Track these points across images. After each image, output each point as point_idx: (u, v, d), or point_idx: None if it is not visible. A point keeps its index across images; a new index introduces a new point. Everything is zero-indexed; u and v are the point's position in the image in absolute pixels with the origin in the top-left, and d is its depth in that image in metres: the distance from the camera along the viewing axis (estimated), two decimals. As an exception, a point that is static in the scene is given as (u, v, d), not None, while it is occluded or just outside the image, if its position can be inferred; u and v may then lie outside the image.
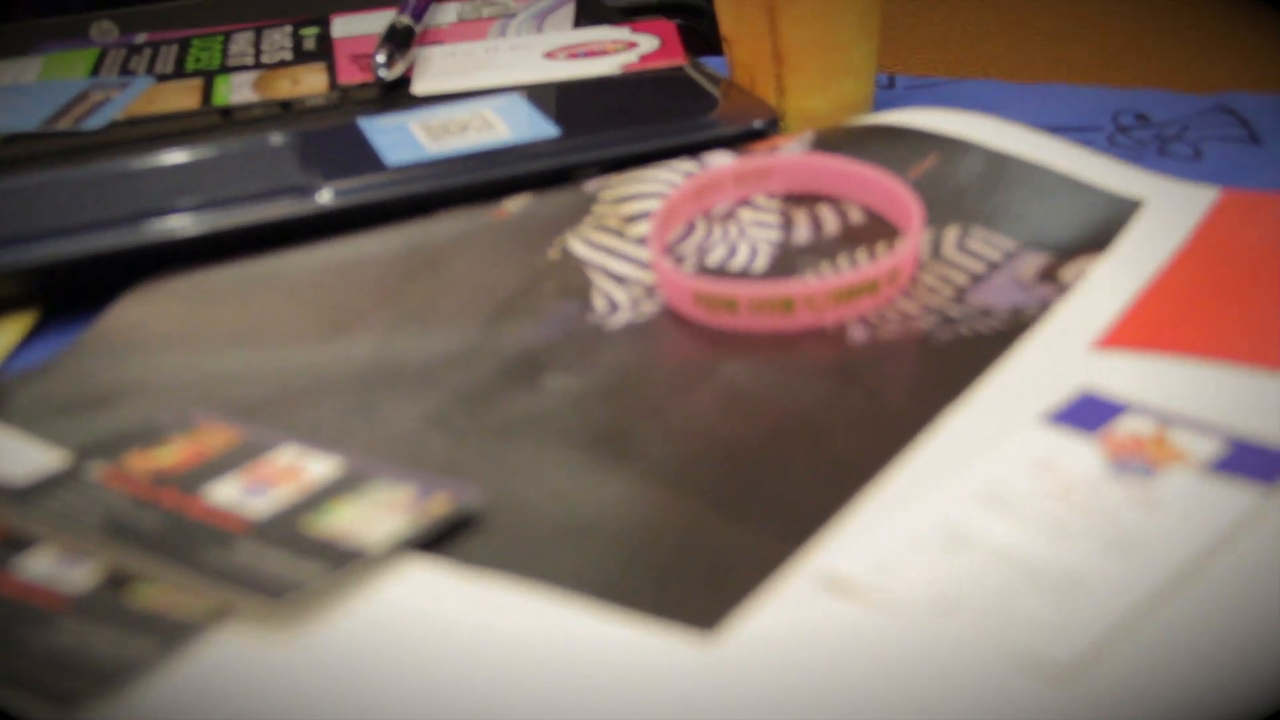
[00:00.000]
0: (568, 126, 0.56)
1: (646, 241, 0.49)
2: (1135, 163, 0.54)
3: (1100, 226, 0.48)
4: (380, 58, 0.62)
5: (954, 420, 0.39)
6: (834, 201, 0.51)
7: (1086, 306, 0.44)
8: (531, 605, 0.33)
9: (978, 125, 0.53)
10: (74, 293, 0.50)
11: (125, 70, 0.66)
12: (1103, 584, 0.32)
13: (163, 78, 0.65)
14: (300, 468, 0.39)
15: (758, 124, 0.55)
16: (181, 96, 0.63)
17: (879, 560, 0.33)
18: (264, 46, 0.69)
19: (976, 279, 0.46)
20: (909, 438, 0.38)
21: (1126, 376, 0.39)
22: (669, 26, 0.67)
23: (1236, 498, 0.34)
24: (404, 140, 0.56)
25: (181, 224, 0.50)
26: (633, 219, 0.50)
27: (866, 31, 0.60)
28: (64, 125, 0.60)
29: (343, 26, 0.71)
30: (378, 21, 0.71)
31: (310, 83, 0.64)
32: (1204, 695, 0.28)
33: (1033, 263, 0.47)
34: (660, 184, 0.51)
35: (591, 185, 0.52)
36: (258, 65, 0.66)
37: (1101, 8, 0.78)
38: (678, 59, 0.63)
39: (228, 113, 0.61)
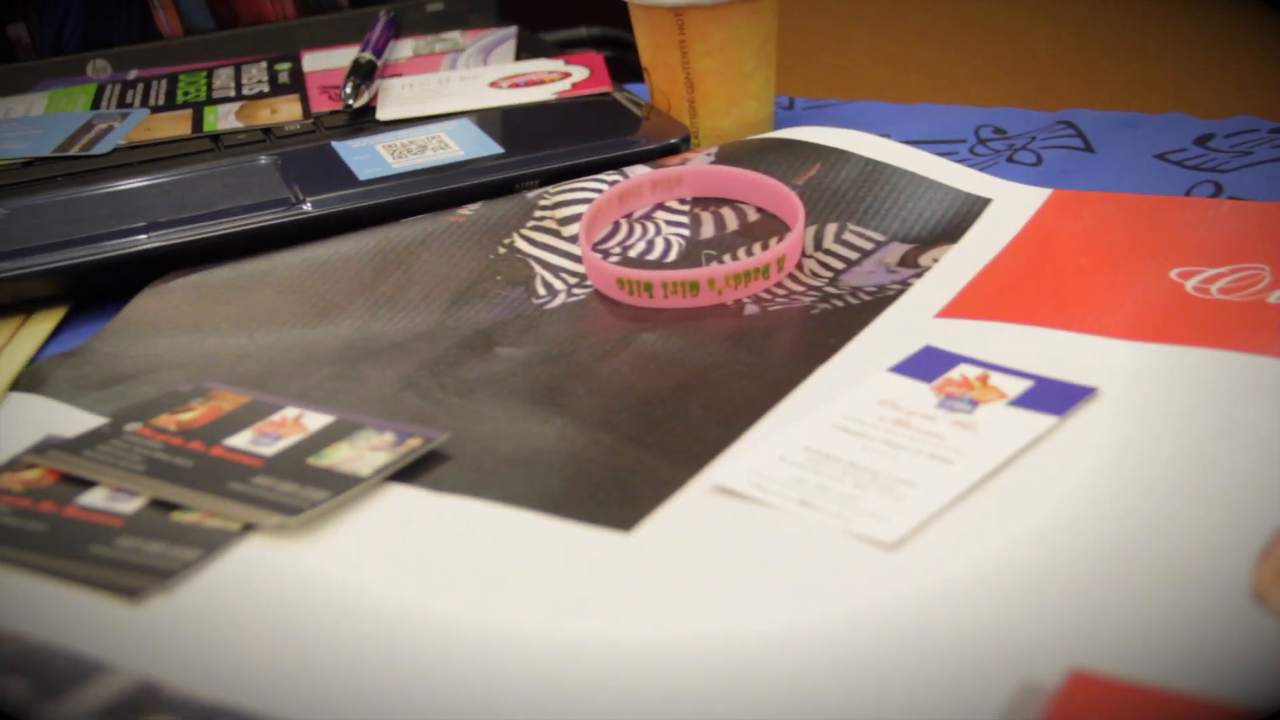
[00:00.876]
0: (510, 145, 0.65)
1: (577, 239, 0.58)
2: (987, 169, 0.64)
3: (954, 221, 0.58)
4: (348, 89, 0.72)
5: (823, 373, 0.49)
6: (734, 204, 0.61)
7: (936, 285, 0.54)
8: (489, 514, 0.43)
9: (855, 139, 0.64)
10: (97, 291, 0.59)
11: (123, 103, 0.75)
12: (923, 484, 0.41)
13: (156, 109, 0.74)
14: (300, 422, 0.48)
15: (673, 140, 0.65)
16: (175, 125, 0.72)
17: (755, 473, 0.43)
18: (244, 80, 0.78)
19: (850, 264, 0.56)
20: (787, 388, 0.48)
21: (961, 337, 0.50)
22: (597, 59, 0.76)
23: (1036, 422, 0.44)
24: (372, 159, 0.65)
25: (186, 232, 0.59)
26: (566, 220, 0.60)
27: (764, 61, 0.70)
28: (75, 150, 0.69)
29: (312, 62, 0.80)
30: (343, 57, 0.80)
31: (287, 111, 0.73)
32: (995, 560, 0.38)
33: (897, 251, 0.57)
34: (589, 192, 0.61)
35: (532, 194, 0.62)
36: (239, 97, 0.75)
37: (975, 36, 0.89)
38: (605, 86, 0.73)
39: (216, 138, 0.70)
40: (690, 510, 0.42)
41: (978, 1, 0.93)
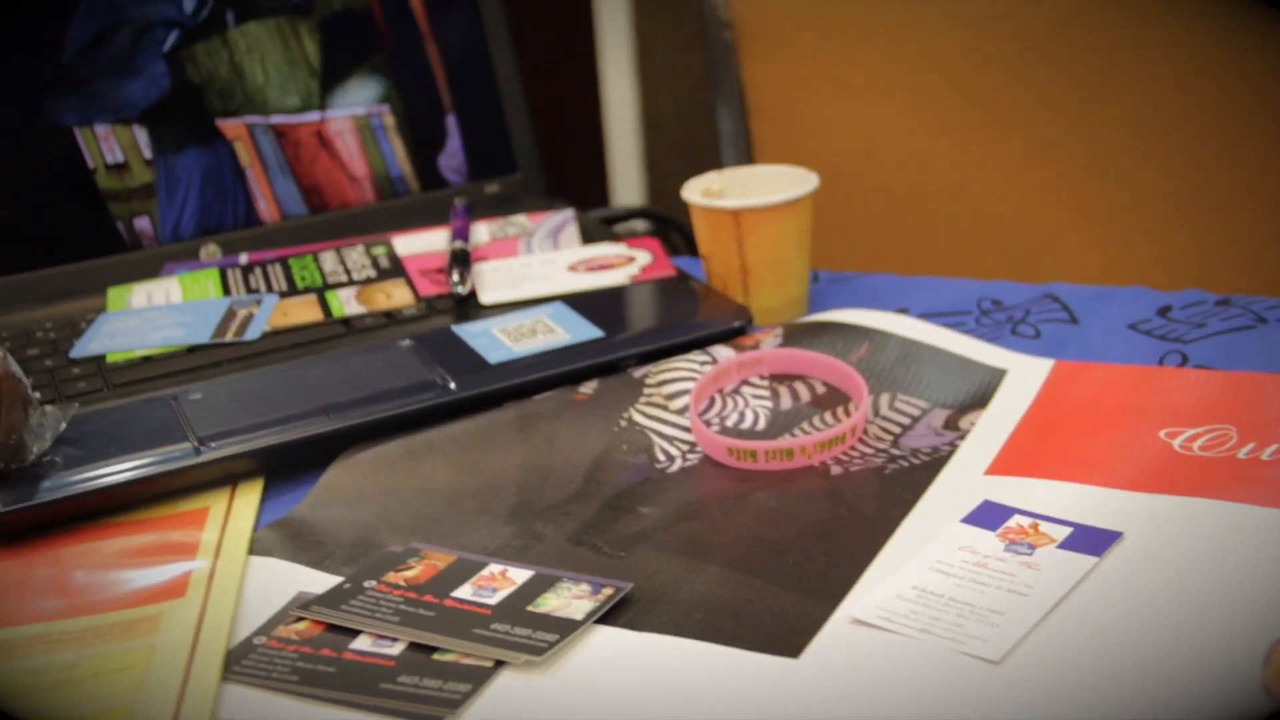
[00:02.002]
0: (607, 328, 0.79)
1: (686, 413, 0.72)
2: (996, 341, 0.79)
3: (980, 389, 0.73)
4: (455, 277, 0.85)
5: (908, 524, 0.63)
6: (804, 379, 0.75)
7: (978, 445, 0.69)
8: (674, 646, 0.56)
9: (891, 320, 0.78)
10: (287, 464, 0.72)
11: (249, 288, 0.88)
12: (1011, 613, 0.55)
13: (284, 294, 0.87)
14: (507, 575, 0.61)
15: (739, 324, 0.80)
16: (306, 310, 0.85)
17: (882, 608, 0.57)
18: (350, 265, 0.91)
19: (905, 429, 0.71)
20: (883, 537, 0.62)
21: (1009, 491, 0.64)
22: (654, 243, 0.91)
23: (1082, 561, 0.58)
24: (494, 343, 0.79)
25: (361, 415, 0.72)
26: (671, 396, 0.74)
27: (803, 249, 0.85)
28: (230, 337, 0.82)
29: (404, 246, 0.94)
30: (429, 240, 0.94)
31: (399, 296, 0.86)
32: (1072, 671, 0.52)
33: (940, 416, 0.72)
34: (683, 370, 0.75)
35: (638, 373, 0.76)
36: (351, 281, 0.88)
37: (960, 208, 1.05)
38: (669, 271, 0.87)
39: (347, 323, 0.83)
40: (838, 637, 0.56)
41: (959, 177, 1.10)
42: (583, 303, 0.84)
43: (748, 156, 1.12)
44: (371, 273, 0.90)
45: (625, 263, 0.88)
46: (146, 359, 0.80)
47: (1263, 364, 0.74)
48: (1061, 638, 0.54)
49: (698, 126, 2.26)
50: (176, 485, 0.69)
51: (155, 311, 0.86)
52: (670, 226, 0.99)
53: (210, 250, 0.95)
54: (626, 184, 2.27)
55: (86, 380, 0.78)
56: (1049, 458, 0.67)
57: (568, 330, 0.80)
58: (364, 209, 0.99)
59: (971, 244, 1.06)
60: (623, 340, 0.78)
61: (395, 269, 0.90)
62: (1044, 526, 0.61)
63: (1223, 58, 0.99)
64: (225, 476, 0.71)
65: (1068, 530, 0.61)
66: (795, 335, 0.78)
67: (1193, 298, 0.82)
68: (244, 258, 0.94)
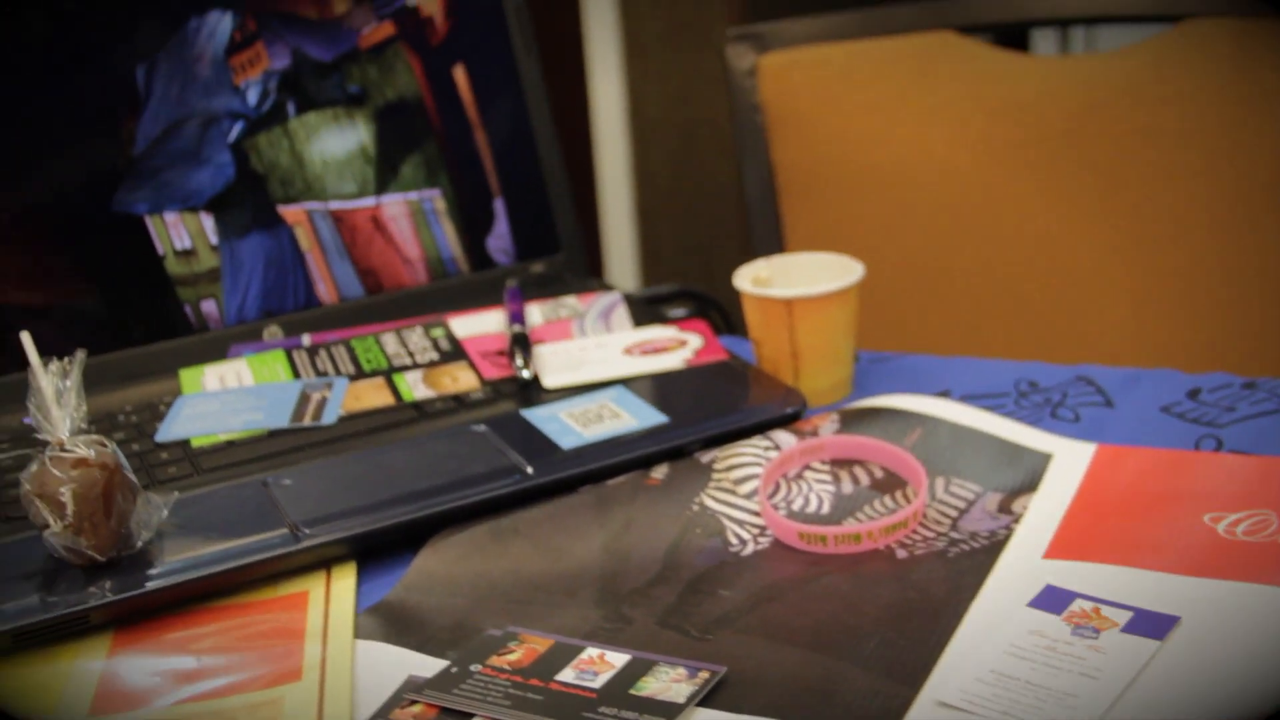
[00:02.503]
0: (670, 413, 0.83)
1: (754, 497, 0.76)
2: (1038, 424, 0.84)
3: (1029, 474, 0.78)
4: (519, 361, 0.89)
5: (976, 606, 0.67)
6: (863, 464, 0.79)
7: (1033, 529, 0.73)
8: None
9: (941, 406, 0.83)
10: (377, 549, 0.75)
11: (317, 371, 0.92)
12: (1084, 695, 0.60)
13: (353, 377, 0.91)
14: (606, 659, 0.65)
15: (794, 409, 0.84)
16: (376, 394, 0.89)
17: (965, 691, 0.61)
18: (411, 347, 0.95)
19: (961, 512, 0.75)
20: (955, 619, 0.66)
21: (1068, 575, 0.68)
22: (703, 325, 0.95)
23: (1146, 645, 0.63)
24: (564, 428, 0.83)
25: (447, 501, 0.76)
26: (739, 481, 0.78)
27: (850, 334, 0.89)
28: (308, 421, 0.85)
29: (461, 327, 0.98)
30: (484, 320, 0.98)
31: (464, 380, 0.90)
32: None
33: (993, 500, 0.76)
34: (749, 455, 0.80)
35: (704, 458, 0.80)
36: (415, 365, 0.92)
37: (987, 288, 1.10)
38: (720, 354, 0.91)
39: (418, 407, 0.87)
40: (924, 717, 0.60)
41: (982, 258, 1.15)
42: (642, 387, 0.88)
43: (778, 234, 1.17)
44: (434, 355, 0.94)
45: (678, 346, 0.93)
46: (230, 443, 0.84)
47: (1289, 448, 0.79)
48: (1135, 715, 0.59)
49: (689, 189, 2.33)
50: (276, 570, 0.73)
51: (232, 394, 0.90)
52: (710, 305, 1.04)
53: (273, 331, 0.99)
54: (620, 253, 2.32)
55: (176, 465, 0.82)
56: (1102, 542, 0.71)
57: (633, 416, 0.84)
58: (417, 290, 1.03)
59: (999, 323, 1.11)
60: (687, 426, 0.83)
61: (456, 351, 0.94)
62: (1105, 610, 0.66)
63: (1238, 144, 1.05)
64: (320, 561, 0.74)
65: (1128, 614, 0.65)
66: (851, 421, 0.82)
67: (1220, 380, 0.87)
68: (307, 339, 0.98)
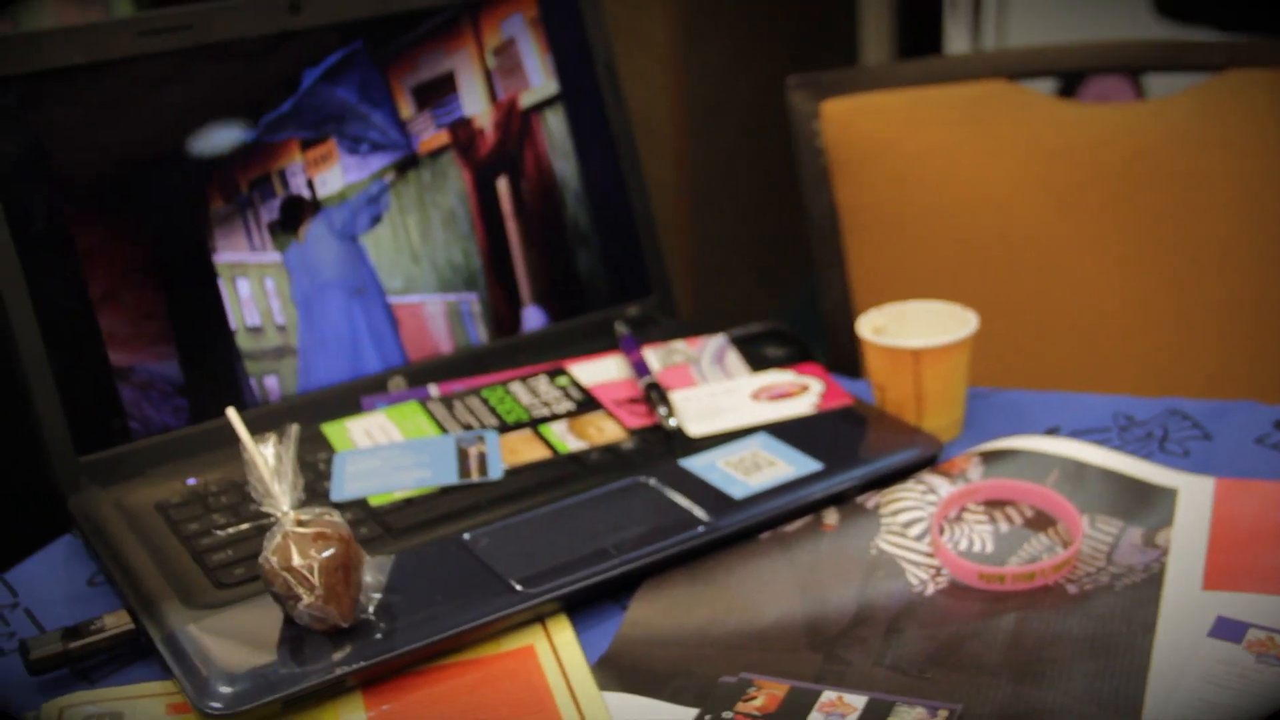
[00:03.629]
0: (821, 459, 0.90)
1: (923, 540, 0.83)
2: (1152, 459, 0.92)
3: (1162, 508, 0.86)
4: (663, 411, 0.95)
5: (1159, 637, 0.75)
6: (1014, 504, 0.87)
7: (1182, 561, 0.81)
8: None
9: (1070, 446, 0.91)
10: (583, 601, 0.80)
11: (461, 424, 0.96)
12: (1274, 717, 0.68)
13: (500, 430, 0.95)
14: (845, 701, 0.71)
15: (931, 451, 0.91)
16: (530, 447, 0.93)
17: (1181, 717, 0.68)
18: (545, 397, 1.00)
19: (1111, 547, 0.83)
20: (1145, 650, 0.74)
21: (1233, 605, 0.76)
22: (818, 368, 1.02)
23: (1321, 668, 0.71)
24: (727, 478, 0.88)
25: (646, 555, 0.81)
26: (907, 525, 0.85)
27: (965, 376, 0.96)
28: (475, 477, 0.90)
29: (584, 373, 1.02)
30: (604, 367, 1.03)
31: (610, 430, 0.95)
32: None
33: (1136, 534, 0.84)
34: (909, 500, 0.86)
35: (869, 502, 0.86)
36: (555, 415, 0.97)
37: (1050, 326, 1.18)
38: (845, 398, 0.98)
39: (576, 459, 0.92)
40: (1152, 748, 0.67)
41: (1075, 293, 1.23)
42: (782, 433, 0.94)
43: (842, 271, 1.24)
44: (570, 405, 0.99)
45: (801, 391, 0.99)
46: (409, 501, 0.88)
47: (1380, 475, 0.88)
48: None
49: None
50: (502, 627, 0.78)
51: (390, 450, 0.93)
52: (799, 345, 1.10)
53: (397, 383, 1.03)
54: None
55: (366, 526, 0.86)
56: (1252, 573, 0.79)
57: (789, 463, 0.90)
58: (521, 338, 1.08)
59: (1058, 355, 1.20)
60: (841, 471, 0.89)
61: (589, 401, 0.99)
62: (1279, 639, 0.74)
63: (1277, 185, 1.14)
64: (536, 616, 0.79)
65: (1300, 641, 0.73)
66: (992, 462, 0.89)
67: (1299, 411, 0.97)
68: (434, 390, 1.02)
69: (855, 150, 1.22)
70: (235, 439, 0.91)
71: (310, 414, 0.98)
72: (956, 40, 2.69)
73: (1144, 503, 0.87)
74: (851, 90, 1.21)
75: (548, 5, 1.09)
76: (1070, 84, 2.55)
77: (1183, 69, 1.18)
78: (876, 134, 1.22)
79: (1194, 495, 0.87)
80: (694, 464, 0.91)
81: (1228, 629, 0.75)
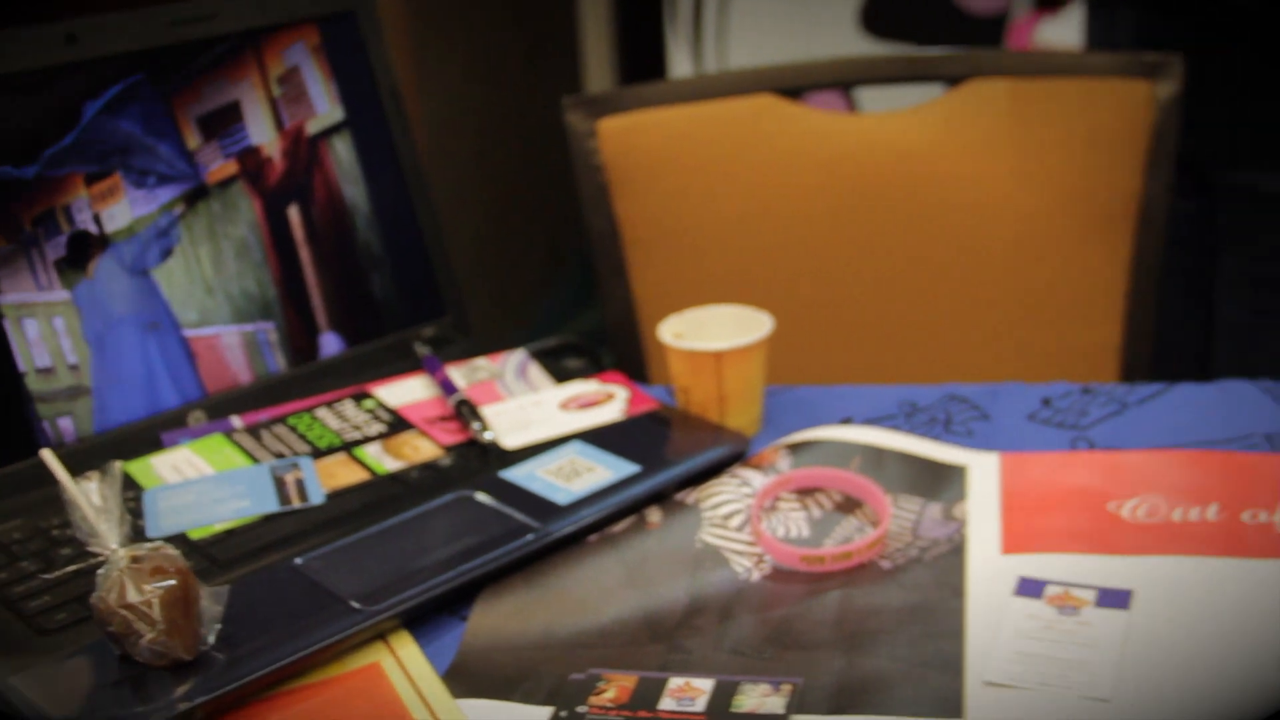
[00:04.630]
0: (639, 462, 0.93)
1: (744, 530, 0.87)
2: (946, 440, 0.98)
3: (955, 484, 0.92)
4: (477, 426, 0.96)
5: (970, 599, 0.80)
6: (824, 490, 0.92)
7: (980, 530, 0.87)
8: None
9: (868, 434, 0.96)
10: (422, 615, 0.81)
11: (273, 453, 0.95)
12: (1093, 661, 0.74)
13: (314, 456, 0.95)
14: (693, 685, 0.74)
15: (739, 447, 0.95)
16: (348, 470, 0.93)
17: (1005, 671, 0.74)
18: (353, 421, 0.99)
19: (915, 523, 0.89)
20: (958, 612, 0.79)
21: (1030, 565, 0.83)
22: (621, 376, 1.05)
23: (1118, 615, 0.78)
24: (549, 485, 0.90)
25: (480, 566, 0.83)
26: (727, 517, 0.88)
27: (764, 376, 1.01)
28: (297, 503, 0.89)
29: (389, 395, 1.03)
30: (408, 388, 1.03)
31: (426, 449, 0.96)
32: (1158, 690, 0.71)
33: (936, 509, 0.90)
34: (726, 493, 0.90)
35: (688, 499, 0.90)
36: (367, 438, 0.97)
37: (827, 324, 1.24)
38: (651, 403, 1.01)
39: (397, 478, 0.92)
40: (982, 698, 0.72)
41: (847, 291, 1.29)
42: (596, 439, 0.97)
43: (625, 284, 1.27)
44: (381, 427, 0.99)
45: (608, 398, 1.02)
46: (230, 532, 0.87)
47: (1140, 442, 0.97)
48: (1140, 672, 0.73)
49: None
50: (344, 647, 0.78)
51: (203, 484, 0.92)
52: (594, 356, 1.13)
53: (197, 416, 1.01)
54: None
55: (192, 560, 0.84)
56: (1042, 535, 0.86)
57: (607, 467, 0.93)
58: (320, 364, 1.07)
59: (839, 352, 1.26)
60: (658, 471, 0.92)
61: (399, 421, 1.00)
62: (1074, 592, 0.80)
63: (1022, 183, 1.24)
64: (378, 634, 0.79)
65: (1093, 592, 0.80)
66: (799, 453, 0.94)
67: (1061, 389, 1.05)
68: (237, 421, 1.00)
69: (634, 166, 1.26)
70: (33, 483, 0.88)
71: (109, 453, 0.95)
72: (678, 60, 2.78)
73: (939, 480, 0.93)
74: (626, 108, 1.25)
75: (330, 33, 1.09)
76: (792, 98, 2.67)
77: (930, 79, 1.26)
78: (654, 150, 1.26)
79: (982, 470, 0.94)
80: (514, 475, 0.92)
81: (1030, 587, 0.81)
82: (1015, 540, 0.86)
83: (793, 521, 0.89)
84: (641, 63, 2.90)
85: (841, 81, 1.30)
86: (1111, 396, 1.03)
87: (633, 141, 1.25)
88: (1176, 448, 0.94)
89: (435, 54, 2.53)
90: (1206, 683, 0.73)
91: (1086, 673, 0.74)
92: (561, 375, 1.07)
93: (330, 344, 1.09)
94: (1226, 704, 0.71)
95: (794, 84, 1.25)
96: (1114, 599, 0.80)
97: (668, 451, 0.95)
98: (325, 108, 1.09)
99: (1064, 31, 2.24)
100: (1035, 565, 0.83)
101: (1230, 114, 1.34)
